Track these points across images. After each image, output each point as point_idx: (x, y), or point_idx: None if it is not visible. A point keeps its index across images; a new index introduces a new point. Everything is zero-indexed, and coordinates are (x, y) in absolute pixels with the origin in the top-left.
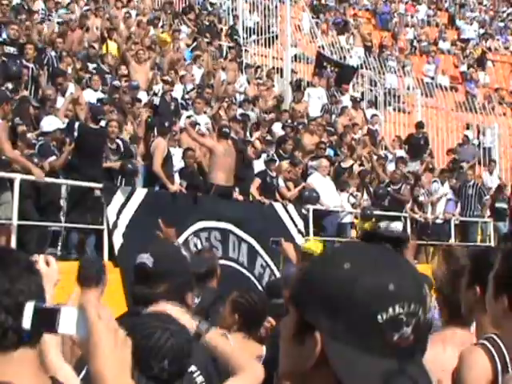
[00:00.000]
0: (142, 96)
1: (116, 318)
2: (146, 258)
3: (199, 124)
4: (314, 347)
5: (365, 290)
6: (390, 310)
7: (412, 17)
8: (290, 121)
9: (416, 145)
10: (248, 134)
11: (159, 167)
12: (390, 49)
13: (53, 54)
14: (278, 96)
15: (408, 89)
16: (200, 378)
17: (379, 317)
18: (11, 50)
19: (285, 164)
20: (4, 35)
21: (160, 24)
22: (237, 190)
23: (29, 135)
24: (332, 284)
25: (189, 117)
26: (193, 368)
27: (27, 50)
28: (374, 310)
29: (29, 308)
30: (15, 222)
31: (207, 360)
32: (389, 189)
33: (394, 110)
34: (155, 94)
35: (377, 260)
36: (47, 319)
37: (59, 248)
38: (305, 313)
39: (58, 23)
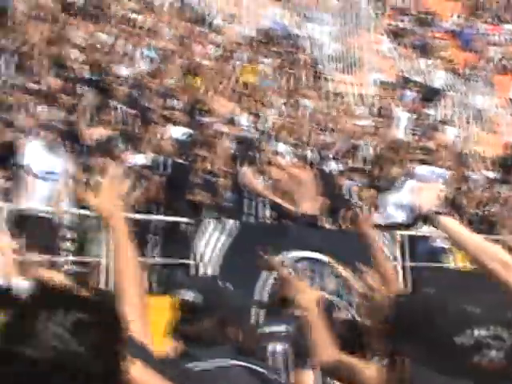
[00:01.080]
0: (227, 128)
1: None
2: (191, 294)
3: (282, 153)
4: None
5: (445, 313)
6: (469, 332)
7: (496, 36)
8: (377, 146)
9: (505, 166)
10: (334, 161)
11: (265, 191)
12: (475, 69)
13: (139, 92)
14: (370, 125)
15: (496, 109)
16: None
17: (457, 339)
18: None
19: (370, 191)
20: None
21: (241, 56)
22: (326, 218)
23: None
24: (415, 308)
25: (273, 146)
26: None
27: (119, 92)
28: (452, 332)
29: None
30: (104, 259)
31: None
32: (479, 211)
33: (482, 130)
34: (240, 126)
35: (460, 284)
36: None
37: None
38: (390, 337)
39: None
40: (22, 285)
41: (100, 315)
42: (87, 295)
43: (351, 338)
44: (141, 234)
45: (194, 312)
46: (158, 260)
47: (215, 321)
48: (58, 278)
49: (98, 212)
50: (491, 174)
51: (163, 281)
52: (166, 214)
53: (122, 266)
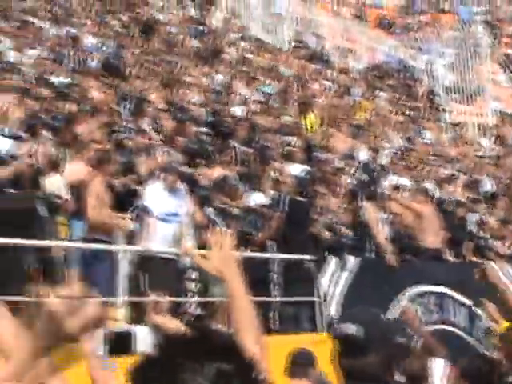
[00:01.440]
0: (346, 164)
1: None
2: (354, 328)
3: (402, 187)
4: None
5: None
6: None
7: None
8: (500, 177)
9: None
10: (455, 193)
11: (378, 230)
12: None
13: (256, 131)
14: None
15: None
16: None
17: None
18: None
19: (493, 222)
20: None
21: (356, 91)
22: (449, 251)
23: (235, 211)
24: None
25: (392, 181)
26: None
27: (236, 131)
28: None
29: (100, 335)
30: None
31: None
32: None
33: None
34: (359, 162)
35: None
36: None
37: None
38: None
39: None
40: (141, 331)
41: (236, 362)
42: (219, 342)
43: (484, 374)
44: (263, 272)
45: (355, 346)
46: (282, 298)
47: (379, 356)
48: (173, 324)
49: (212, 272)
50: None
51: (286, 319)
52: (286, 252)
53: (238, 316)
